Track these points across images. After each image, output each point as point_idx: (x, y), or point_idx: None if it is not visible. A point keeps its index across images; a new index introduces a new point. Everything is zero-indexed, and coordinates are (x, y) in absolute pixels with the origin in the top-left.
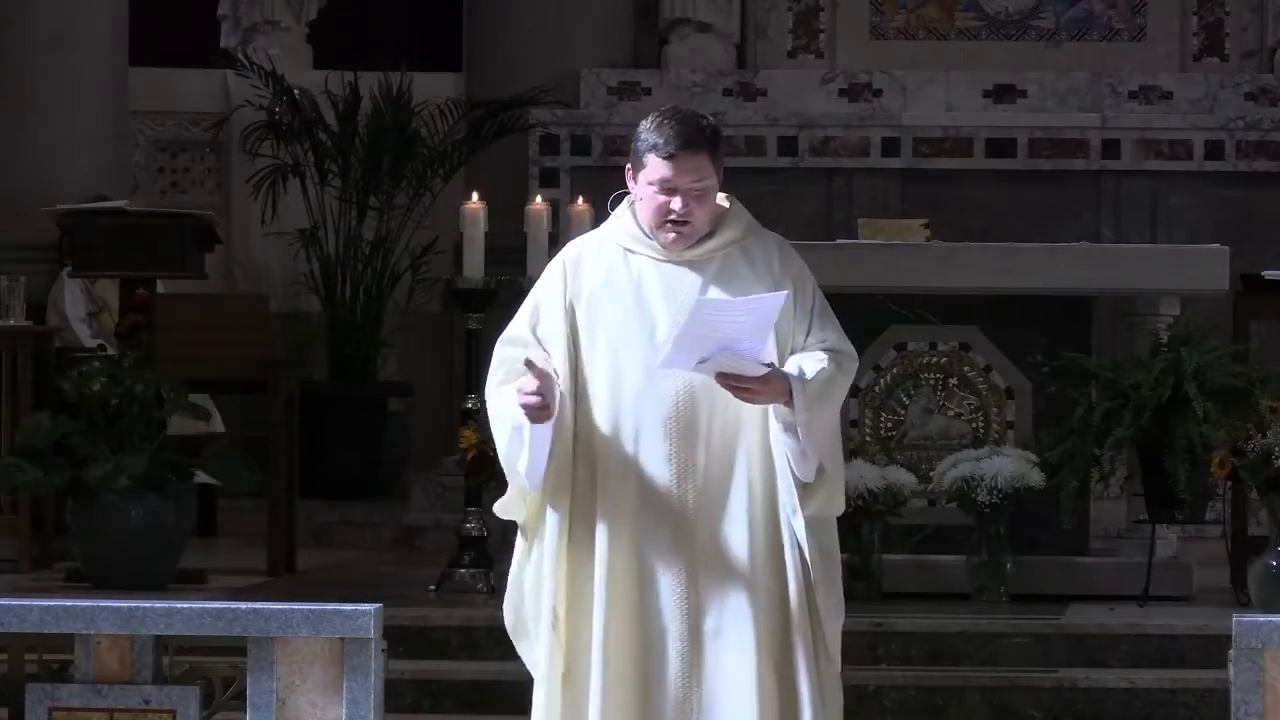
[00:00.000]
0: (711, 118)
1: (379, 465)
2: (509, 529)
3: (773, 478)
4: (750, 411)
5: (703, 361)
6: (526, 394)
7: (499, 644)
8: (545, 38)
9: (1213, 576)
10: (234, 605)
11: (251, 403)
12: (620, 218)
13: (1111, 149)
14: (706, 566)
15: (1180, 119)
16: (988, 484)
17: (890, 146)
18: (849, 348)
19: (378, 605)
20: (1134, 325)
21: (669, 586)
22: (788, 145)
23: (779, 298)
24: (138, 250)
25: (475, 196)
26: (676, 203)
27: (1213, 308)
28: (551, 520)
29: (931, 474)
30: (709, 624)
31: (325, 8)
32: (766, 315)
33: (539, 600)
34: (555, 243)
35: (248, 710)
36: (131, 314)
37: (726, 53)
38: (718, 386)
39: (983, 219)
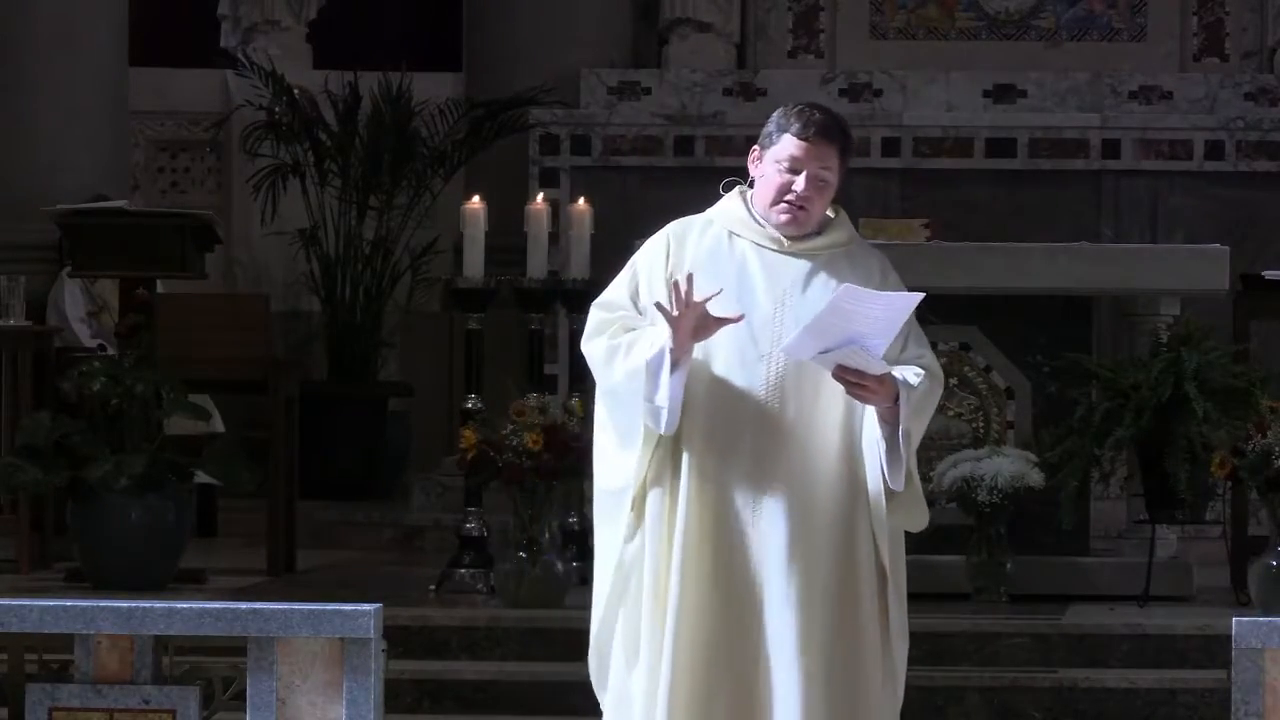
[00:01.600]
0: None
1: (379, 465)
2: (509, 529)
3: (851, 478)
4: (831, 413)
5: (825, 352)
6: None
7: (499, 644)
8: (545, 38)
9: (1213, 576)
10: (234, 605)
11: (251, 403)
12: (730, 202)
13: (1111, 149)
14: (779, 555)
15: (1180, 119)
16: (988, 484)
17: (890, 146)
18: (940, 371)
19: (378, 605)
20: (1134, 325)
21: (741, 578)
22: None
23: (915, 298)
24: (138, 250)
25: (475, 197)
26: (799, 183)
27: (1213, 308)
28: (654, 496)
29: (931, 474)
30: (774, 626)
31: (325, 8)
32: (899, 314)
33: (639, 575)
34: (555, 242)
35: (248, 710)
36: (131, 314)
37: (726, 53)
38: (804, 385)
39: (983, 219)
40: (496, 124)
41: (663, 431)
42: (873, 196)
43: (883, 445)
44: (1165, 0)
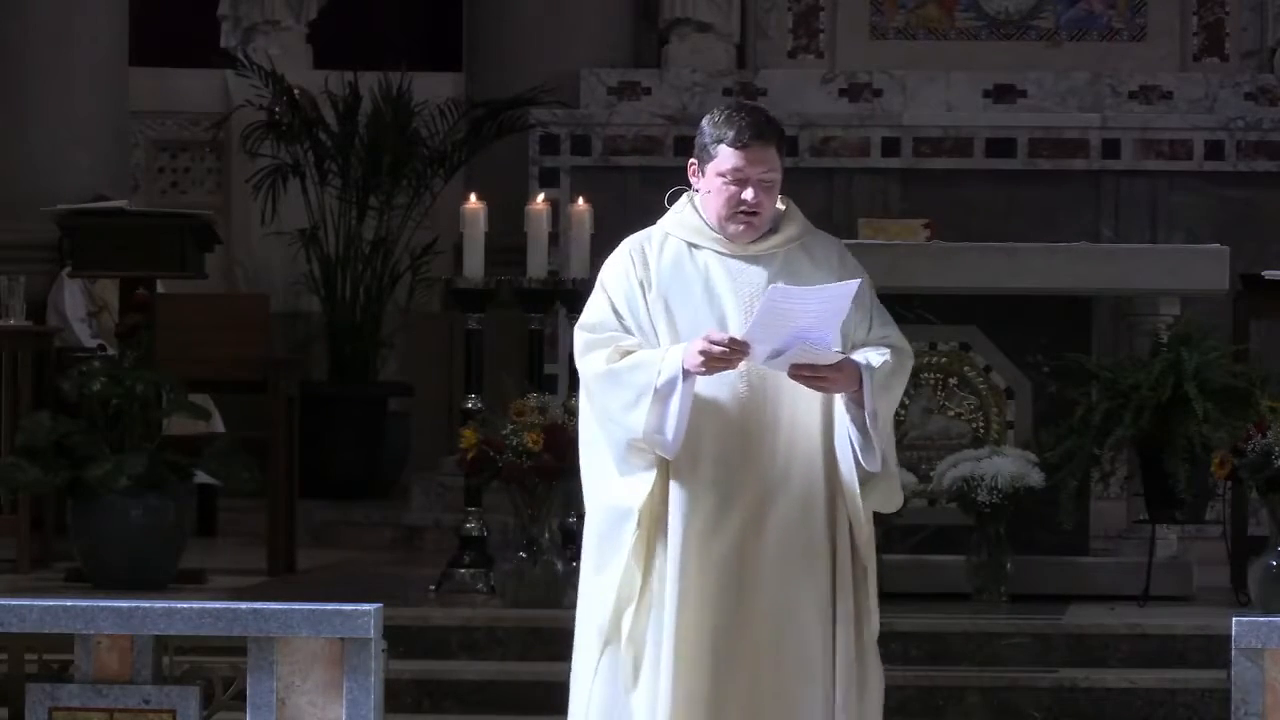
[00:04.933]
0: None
1: (379, 465)
2: (509, 529)
3: (835, 474)
4: (811, 408)
5: (776, 355)
6: (715, 345)
7: (499, 644)
8: (545, 38)
9: (1213, 576)
10: (234, 605)
11: (251, 403)
12: (680, 212)
13: (1111, 149)
14: (771, 566)
15: (1180, 119)
16: (988, 484)
17: (890, 146)
18: (907, 345)
19: (378, 605)
20: (1134, 325)
21: (734, 585)
22: (788, 145)
23: (851, 286)
24: (138, 250)
25: (475, 196)
26: (749, 193)
27: (1213, 308)
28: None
29: (931, 474)
30: (773, 628)
31: (325, 8)
32: (839, 304)
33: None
34: (555, 242)
35: (248, 710)
36: (131, 314)
37: (726, 53)
38: (783, 388)
39: (983, 219)
40: (496, 124)
41: (669, 456)
42: (873, 196)
43: (853, 429)
44: (1165, 0)
